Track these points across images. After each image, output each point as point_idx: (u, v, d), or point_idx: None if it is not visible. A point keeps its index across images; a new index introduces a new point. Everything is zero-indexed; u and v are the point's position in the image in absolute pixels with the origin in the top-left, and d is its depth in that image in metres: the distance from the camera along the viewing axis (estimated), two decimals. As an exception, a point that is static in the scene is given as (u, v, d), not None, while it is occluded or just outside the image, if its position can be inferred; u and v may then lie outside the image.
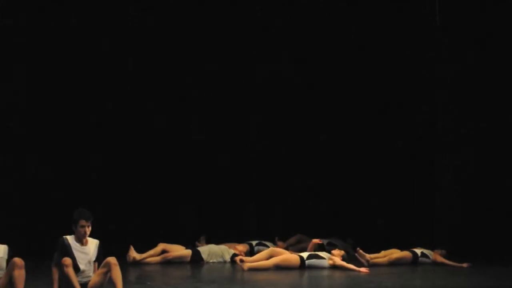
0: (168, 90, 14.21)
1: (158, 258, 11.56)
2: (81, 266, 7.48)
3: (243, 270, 10.61)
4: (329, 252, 11.35)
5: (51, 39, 13.24)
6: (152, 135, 14.06)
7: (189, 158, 14.27)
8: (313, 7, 14.75)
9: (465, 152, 13.64)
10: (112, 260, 7.48)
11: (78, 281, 7.35)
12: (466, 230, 13.14)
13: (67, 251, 7.44)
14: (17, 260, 7.23)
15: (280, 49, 14.82)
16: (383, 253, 11.75)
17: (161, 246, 11.73)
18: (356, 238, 13.48)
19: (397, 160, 14.45)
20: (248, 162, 14.74)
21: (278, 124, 14.86)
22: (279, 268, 10.83)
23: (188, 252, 11.79)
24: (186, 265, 11.47)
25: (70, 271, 7.31)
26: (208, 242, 12.53)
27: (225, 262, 11.88)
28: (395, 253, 11.79)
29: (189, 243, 12.31)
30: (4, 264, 7.39)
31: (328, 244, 13.10)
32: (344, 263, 10.94)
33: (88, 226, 7.49)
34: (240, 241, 12.83)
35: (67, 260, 7.34)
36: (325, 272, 10.70)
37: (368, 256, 11.32)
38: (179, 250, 11.78)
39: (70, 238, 7.54)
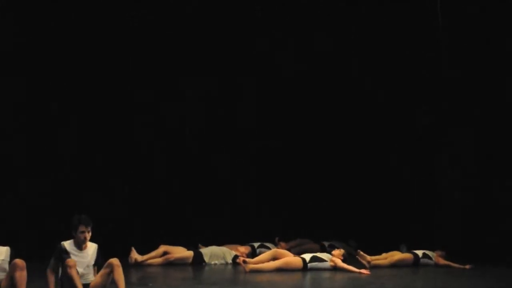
0: (168, 90, 14.18)
1: (160, 260, 11.55)
2: (80, 270, 7.49)
3: (245, 271, 10.59)
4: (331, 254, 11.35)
5: (51, 42, 13.18)
6: (153, 135, 14.03)
7: (189, 158, 14.25)
8: (313, 7, 14.75)
9: (465, 151, 13.63)
10: (114, 261, 7.52)
11: (78, 282, 7.38)
12: (466, 230, 13.13)
13: (63, 258, 7.43)
14: (19, 262, 7.24)
15: (280, 49, 14.82)
16: (384, 255, 11.78)
17: (162, 248, 11.72)
18: (358, 240, 13.47)
19: (397, 161, 14.46)
20: (248, 162, 14.72)
21: (278, 124, 14.85)
22: (282, 270, 10.82)
23: (190, 253, 11.77)
24: (188, 267, 11.47)
25: (74, 272, 7.32)
26: (210, 243, 12.51)
27: (226, 263, 11.87)
28: (396, 255, 11.81)
29: (191, 245, 12.30)
30: (6, 266, 7.41)
31: (330, 246, 13.11)
32: (345, 265, 10.95)
33: (88, 232, 7.51)
34: (242, 243, 12.82)
35: (71, 261, 7.37)
36: (327, 274, 10.70)
37: (369, 257, 11.32)
38: (180, 252, 11.76)
39: (68, 244, 7.56)
